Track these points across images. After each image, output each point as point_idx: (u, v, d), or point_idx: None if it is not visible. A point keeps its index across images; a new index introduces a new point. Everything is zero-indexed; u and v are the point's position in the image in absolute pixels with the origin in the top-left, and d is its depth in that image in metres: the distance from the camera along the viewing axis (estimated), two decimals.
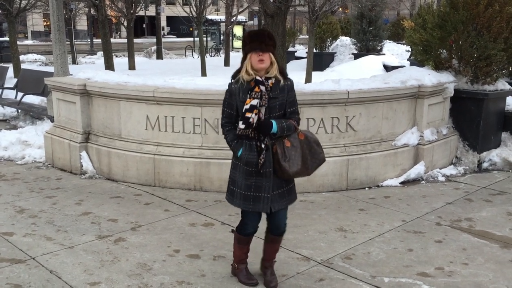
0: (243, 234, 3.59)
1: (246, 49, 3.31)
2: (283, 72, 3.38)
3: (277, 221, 3.50)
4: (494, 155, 6.97)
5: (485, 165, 6.91)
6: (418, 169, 6.28)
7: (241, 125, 3.30)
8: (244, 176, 3.39)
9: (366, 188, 5.94)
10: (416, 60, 7.77)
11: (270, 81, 3.29)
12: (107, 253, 4.19)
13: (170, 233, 4.61)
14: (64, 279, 3.73)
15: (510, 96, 7.27)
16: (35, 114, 9.68)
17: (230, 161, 5.62)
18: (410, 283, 3.74)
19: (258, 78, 3.28)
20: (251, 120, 3.25)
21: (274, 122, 3.29)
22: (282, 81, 3.33)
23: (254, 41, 3.27)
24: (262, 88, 3.27)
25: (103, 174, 6.34)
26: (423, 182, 6.24)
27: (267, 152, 3.33)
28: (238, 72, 3.37)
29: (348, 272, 3.88)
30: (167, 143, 5.93)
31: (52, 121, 7.47)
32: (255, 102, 3.25)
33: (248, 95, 3.28)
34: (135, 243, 4.39)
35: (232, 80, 3.41)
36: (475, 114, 6.79)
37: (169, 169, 5.89)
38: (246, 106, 3.26)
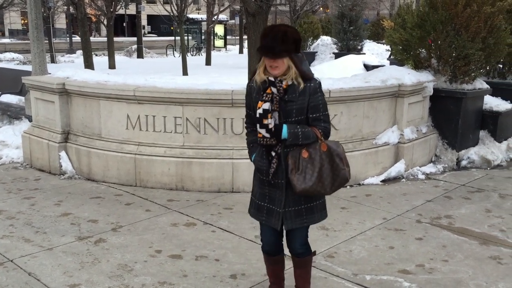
0: (262, 250, 3.28)
1: (259, 50, 2.89)
2: (305, 75, 2.91)
3: (290, 241, 3.15)
4: (473, 153, 7.07)
5: (463, 163, 7.00)
6: (399, 167, 6.33)
7: (265, 134, 2.92)
8: (259, 185, 3.10)
9: (348, 187, 5.97)
10: (396, 59, 7.86)
11: (284, 83, 2.88)
12: (87, 254, 4.14)
13: (151, 233, 4.57)
14: (43, 281, 3.67)
15: (487, 95, 7.38)
16: (12, 114, 9.49)
17: (212, 160, 5.66)
18: (392, 280, 3.77)
19: (270, 78, 2.91)
20: (270, 126, 2.89)
21: (285, 127, 2.89)
22: (302, 83, 2.88)
23: (266, 45, 2.82)
24: (274, 90, 2.90)
25: (82, 175, 6.26)
26: (404, 180, 6.30)
27: (280, 161, 2.96)
28: (254, 73, 3.04)
29: (330, 270, 3.90)
30: (148, 143, 5.88)
31: (30, 120, 7.34)
32: (267, 106, 2.89)
33: (260, 96, 2.94)
34: (116, 244, 4.34)
35: (249, 81, 3.13)
36: (454, 112, 6.88)
37: (150, 169, 5.84)
38: (259, 111, 2.90)
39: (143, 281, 3.69)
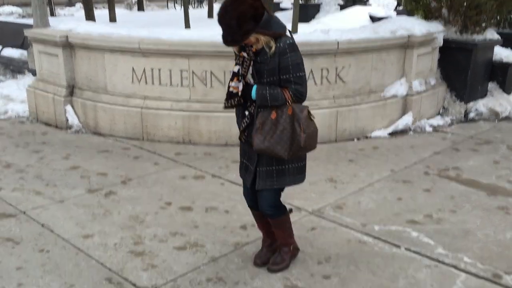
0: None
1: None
2: (275, 36, 2.81)
3: (260, 202, 3.11)
4: (481, 105, 7.01)
5: (471, 115, 6.96)
6: (406, 120, 6.29)
7: (230, 95, 2.94)
8: (241, 143, 3.13)
9: (355, 140, 5.96)
10: (406, 9, 7.66)
11: (254, 47, 2.82)
12: (98, 206, 4.18)
13: (161, 186, 4.60)
14: (56, 233, 3.72)
15: (497, 46, 7.25)
16: (15, 68, 9.40)
17: (219, 114, 5.62)
18: (400, 230, 3.81)
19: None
20: (231, 89, 2.92)
21: (254, 88, 2.86)
22: (274, 46, 2.79)
23: (224, 37, 2.76)
24: (244, 54, 2.87)
25: (89, 128, 6.25)
26: (411, 132, 6.27)
27: (253, 121, 2.93)
28: None
29: (339, 221, 3.94)
30: (155, 97, 5.83)
31: (34, 74, 7.28)
32: (236, 68, 2.90)
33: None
34: (126, 196, 4.38)
35: None
36: (464, 64, 6.77)
37: (157, 123, 5.82)
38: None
39: (155, 232, 3.74)
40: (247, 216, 3.77)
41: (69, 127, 6.32)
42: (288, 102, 2.85)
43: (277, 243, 3.30)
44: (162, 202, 4.26)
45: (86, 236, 3.68)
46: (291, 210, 3.29)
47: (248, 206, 3.28)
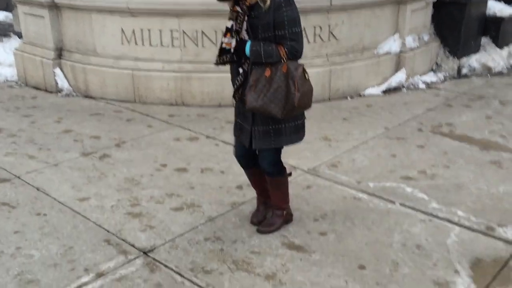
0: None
1: None
2: None
3: (260, 160, 3.09)
4: (474, 61, 6.99)
5: (464, 71, 6.94)
6: (399, 77, 6.27)
7: (222, 52, 2.86)
8: (235, 102, 3.06)
9: (349, 98, 5.94)
10: None
11: (248, 0, 2.75)
12: (93, 169, 4.17)
13: (155, 148, 4.59)
14: (52, 196, 3.72)
15: (491, 0, 7.16)
16: (0, 31, 9.17)
17: (211, 74, 5.55)
18: (394, 186, 3.85)
19: None
20: (224, 45, 2.82)
21: (248, 44, 2.78)
22: (268, 0, 2.72)
23: None
24: (238, 8, 2.79)
25: (80, 92, 6.17)
26: (404, 89, 6.26)
27: (247, 78, 2.86)
28: None
29: (334, 179, 3.96)
30: (145, 58, 5.74)
31: (20, 37, 7.12)
32: (229, 24, 2.81)
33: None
34: (121, 159, 4.37)
35: None
36: (457, 19, 6.70)
37: (149, 85, 5.75)
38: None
39: (151, 194, 3.75)
40: (243, 176, 3.76)
41: (59, 90, 6.24)
42: (283, 59, 2.78)
43: (271, 203, 3.31)
44: (157, 164, 4.26)
45: (82, 199, 3.68)
46: (290, 173, 3.29)
47: (242, 166, 3.25)
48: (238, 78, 2.91)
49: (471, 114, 5.41)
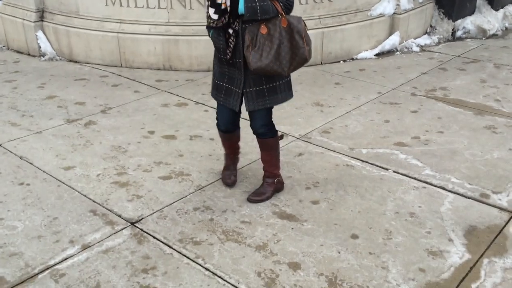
0: (217, 127, 3.19)
1: None
2: None
3: (253, 121, 3.01)
4: (469, 23, 6.83)
5: (459, 33, 6.80)
6: (393, 40, 6.12)
7: (213, 15, 2.68)
8: (218, 63, 2.91)
9: (341, 62, 5.80)
10: None
11: None
12: (78, 137, 4.04)
13: (142, 114, 4.45)
14: (36, 165, 3.60)
15: None
16: None
17: (200, 37, 5.36)
18: (388, 153, 3.77)
19: None
20: (222, 5, 2.65)
21: (241, 1, 2.64)
22: None
23: None
24: None
25: (64, 56, 5.96)
26: (398, 53, 6.12)
27: (238, 38, 2.72)
28: None
29: (326, 145, 3.87)
30: (131, 20, 5.52)
31: None
32: None
33: None
34: (107, 126, 4.23)
35: None
36: None
37: (135, 48, 5.56)
38: None
39: (139, 162, 3.64)
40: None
41: (42, 54, 6.03)
42: (282, 14, 2.68)
43: (263, 170, 3.23)
44: (144, 131, 4.13)
45: (67, 167, 3.57)
46: (282, 136, 3.20)
47: (226, 131, 3.16)
48: (231, 40, 2.75)
49: (466, 78, 5.30)
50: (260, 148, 3.15)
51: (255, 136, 3.12)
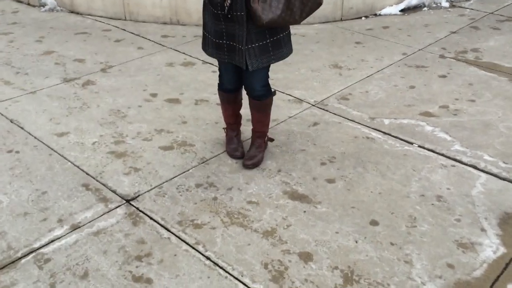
0: (220, 89, 2.89)
1: None
2: None
3: (250, 81, 2.71)
4: None
5: None
6: None
7: None
8: (213, 20, 2.55)
9: (363, 18, 5.33)
10: None
11: None
12: (74, 98, 3.72)
13: (145, 74, 4.11)
14: (27, 129, 3.31)
15: None
16: None
17: None
18: (413, 124, 3.40)
19: None
20: None
21: None
22: None
23: None
24: None
25: (65, 6, 5.57)
26: (425, 9, 5.62)
27: None
28: None
29: (344, 114, 3.51)
30: None
31: None
32: None
33: None
34: (106, 86, 3.91)
35: None
36: None
37: (140, 0, 5.14)
38: None
39: (138, 129, 3.33)
40: (242, 110, 3.34)
41: (42, 4, 5.65)
42: None
43: (253, 130, 2.96)
44: (146, 93, 3.80)
45: (61, 133, 3.27)
46: (275, 92, 2.90)
47: (228, 90, 2.86)
48: None
49: (500, 39, 4.83)
50: (255, 110, 2.86)
51: (222, 95, 2.90)
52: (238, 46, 2.53)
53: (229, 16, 2.45)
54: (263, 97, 2.79)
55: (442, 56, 4.45)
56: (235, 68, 2.72)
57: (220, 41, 2.58)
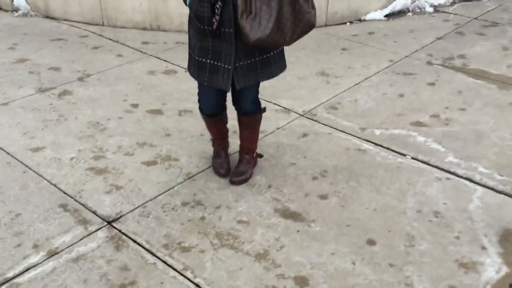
0: (201, 112, 2.71)
1: None
2: None
3: (241, 100, 2.59)
4: None
5: None
6: None
7: None
8: (197, 36, 2.36)
9: (348, 23, 5.24)
10: None
11: None
12: (50, 110, 3.53)
13: (125, 83, 3.93)
14: None
15: None
16: None
17: None
18: (404, 134, 3.30)
19: None
20: None
21: None
22: None
23: None
24: None
25: (39, 11, 5.35)
26: (410, 14, 5.56)
27: (227, 4, 2.21)
28: None
29: (334, 125, 3.40)
30: None
31: None
32: None
33: None
34: (84, 97, 3.72)
35: None
36: None
37: (119, 5, 4.96)
38: None
39: (119, 143, 3.16)
40: (230, 121, 3.20)
41: (15, 9, 5.41)
42: None
43: (242, 146, 2.82)
44: (127, 104, 3.63)
45: (36, 149, 3.08)
46: (265, 109, 2.77)
47: (207, 114, 2.68)
48: (218, 5, 2.21)
49: (486, 44, 4.78)
50: (244, 127, 2.73)
51: (203, 117, 2.74)
52: (224, 66, 2.36)
53: (217, 32, 2.27)
54: (252, 114, 2.66)
55: (429, 63, 4.38)
56: (216, 93, 2.54)
57: (203, 60, 2.39)
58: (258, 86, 2.61)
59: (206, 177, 2.84)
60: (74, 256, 2.28)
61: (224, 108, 2.71)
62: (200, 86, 2.59)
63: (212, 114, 2.68)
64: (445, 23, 5.34)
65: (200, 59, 2.40)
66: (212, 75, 2.40)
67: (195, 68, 2.47)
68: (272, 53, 2.44)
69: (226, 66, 2.35)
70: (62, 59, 4.32)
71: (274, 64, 2.47)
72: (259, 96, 2.67)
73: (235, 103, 2.64)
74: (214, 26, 2.25)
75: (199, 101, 2.67)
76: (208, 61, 2.38)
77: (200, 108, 2.69)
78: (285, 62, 2.57)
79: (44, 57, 4.36)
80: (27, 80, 3.94)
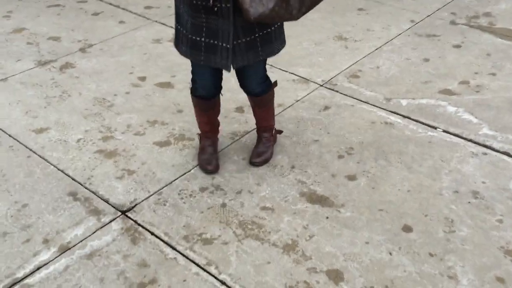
0: (193, 94, 2.45)
1: None
2: None
3: (246, 80, 2.38)
4: None
5: None
6: None
7: None
8: (190, 11, 2.08)
9: None
10: None
11: None
12: (52, 85, 3.30)
13: (130, 53, 3.68)
14: (0, 126, 2.90)
15: None
16: None
17: None
18: (433, 104, 3.08)
19: None
20: None
21: None
22: None
23: None
24: None
25: None
26: None
27: None
28: None
29: (357, 95, 3.17)
30: None
31: None
32: None
33: None
34: (87, 70, 3.48)
35: None
36: None
37: None
38: None
39: (128, 121, 2.94)
40: (242, 94, 2.96)
41: None
42: None
43: (259, 126, 2.62)
44: (133, 76, 3.39)
45: (40, 130, 2.87)
46: (276, 83, 2.54)
47: (202, 96, 2.42)
48: None
49: (511, 1, 4.49)
50: (256, 106, 2.53)
51: (195, 101, 2.48)
52: (222, 45, 2.10)
53: (214, 8, 2.00)
54: (262, 93, 2.44)
55: (453, 23, 4.09)
56: (212, 72, 2.31)
57: (198, 38, 2.12)
58: (265, 62, 2.37)
59: (224, 158, 2.64)
60: (88, 252, 2.11)
61: (220, 88, 2.45)
62: (193, 66, 2.32)
63: (207, 96, 2.42)
64: None
65: (193, 37, 2.12)
66: (208, 54, 2.14)
67: (187, 47, 2.18)
68: (273, 28, 2.19)
69: (224, 44, 2.09)
70: (60, 27, 4.05)
71: (275, 41, 2.22)
72: (274, 65, 2.42)
73: (241, 84, 2.41)
74: (210, 1, 1.98)
75: (192, 80, 2.39)
76: (203, 39, 2.11)
77: (194, 89, 2.42)
78: (285, 36, 2.30)
79: (42, 25, 4.09)
80: (26, 52, 3.69)
